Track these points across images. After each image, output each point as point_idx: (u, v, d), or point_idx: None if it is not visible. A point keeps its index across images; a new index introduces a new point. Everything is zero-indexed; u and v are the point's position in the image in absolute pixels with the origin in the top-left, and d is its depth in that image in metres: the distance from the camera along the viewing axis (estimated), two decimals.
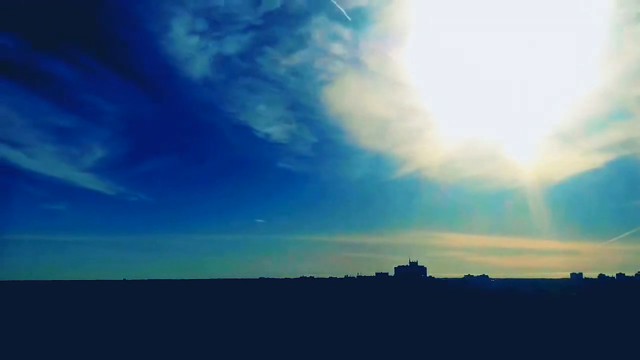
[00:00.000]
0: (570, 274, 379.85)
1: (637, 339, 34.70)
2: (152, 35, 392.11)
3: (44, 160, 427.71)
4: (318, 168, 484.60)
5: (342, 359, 27.32)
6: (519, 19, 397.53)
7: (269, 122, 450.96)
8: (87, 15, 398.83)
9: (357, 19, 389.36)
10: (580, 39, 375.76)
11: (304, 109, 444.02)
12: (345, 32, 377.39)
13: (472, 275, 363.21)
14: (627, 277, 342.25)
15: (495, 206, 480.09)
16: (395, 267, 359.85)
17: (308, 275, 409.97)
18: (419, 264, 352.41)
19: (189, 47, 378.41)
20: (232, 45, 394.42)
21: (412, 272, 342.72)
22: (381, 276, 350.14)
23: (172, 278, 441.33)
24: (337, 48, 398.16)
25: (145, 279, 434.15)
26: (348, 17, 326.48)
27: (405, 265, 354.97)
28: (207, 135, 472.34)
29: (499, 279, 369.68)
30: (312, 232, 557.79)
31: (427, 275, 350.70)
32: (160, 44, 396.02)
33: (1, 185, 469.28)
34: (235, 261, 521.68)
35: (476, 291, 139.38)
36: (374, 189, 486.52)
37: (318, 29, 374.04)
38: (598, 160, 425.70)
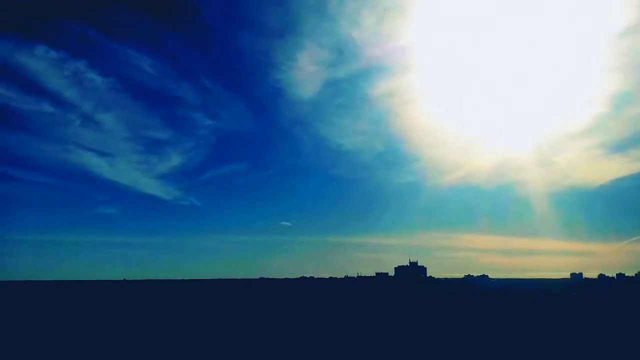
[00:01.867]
0: (570, 274, 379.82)
1: (637, 339, 34.68)
2: (276, 62, 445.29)
3: (120, 168, 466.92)
4: (371, 174, 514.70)
5: (342, 359, 27.29)
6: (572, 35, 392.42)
7: (347, 134, 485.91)
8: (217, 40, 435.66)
9: None
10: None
11: (382, 123, 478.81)
12: None
13: (472, 275, 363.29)
14: (627, 277, 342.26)
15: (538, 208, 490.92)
16: (395, 267, 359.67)
17: (308, 275, 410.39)
18: (419, 264, 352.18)
19: (307, 72, 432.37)
20: (342, 72, 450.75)
21: (412, 272, 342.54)
22: (381, 276, 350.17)
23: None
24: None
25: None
26: None
27: (405, 265, 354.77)
28: (284, 147, 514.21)
29: (499, 279, 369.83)
30: (354, 234, 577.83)
31: (427, 275, 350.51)
32: (281, 68, 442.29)
33: (68, 189, 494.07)
34: (263, 261, 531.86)
35: (476, 291, 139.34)
36: (418, 193, 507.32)
37: None
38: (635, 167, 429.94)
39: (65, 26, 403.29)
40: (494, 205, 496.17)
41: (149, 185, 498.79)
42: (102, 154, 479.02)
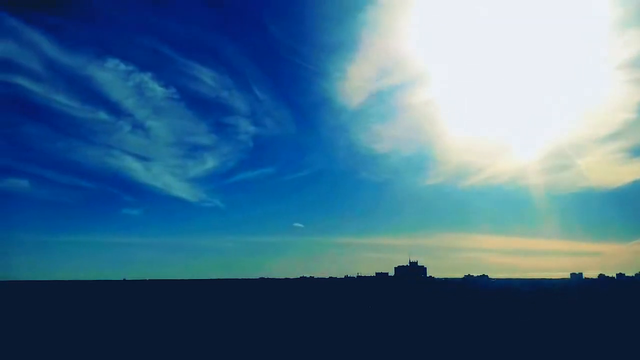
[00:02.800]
0: (570, 274, 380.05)
1: (637, 339, 34.69)
2: (327, 73, 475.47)
3: (155, 172, 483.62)
4: (395, 177, 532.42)
5: (342, 359, 27.29)
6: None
7: (379, 139, 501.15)
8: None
9: None
10: None
11: (414, 129, 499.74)
12: None
13: (472, 275, 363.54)
14: (627, 277, 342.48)
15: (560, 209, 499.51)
16: (395, 267, 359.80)
17: (308, 275, 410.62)
18: (419, 264, 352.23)
19: (354, 83, 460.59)
20: (386, 83, 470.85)
21: (412, 272, 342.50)
22: (381, 276, 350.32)
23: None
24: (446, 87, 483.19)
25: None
26: None
27: (405, 265, 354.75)
28: (317, 151, 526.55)
29: (498, 279, 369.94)
30: (378, 234, 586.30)
31: (427, 275, 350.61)
32: (330, 79, 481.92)
33: (102, 192, 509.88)
34: (281, 261, 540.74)
35: (476, 291, 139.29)
36: (443, 195, 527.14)
37: None
38: None
39: (139, 41, 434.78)
40: (512, 207, 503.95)
41: (178, 188, 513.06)
42: (142, 158, 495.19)
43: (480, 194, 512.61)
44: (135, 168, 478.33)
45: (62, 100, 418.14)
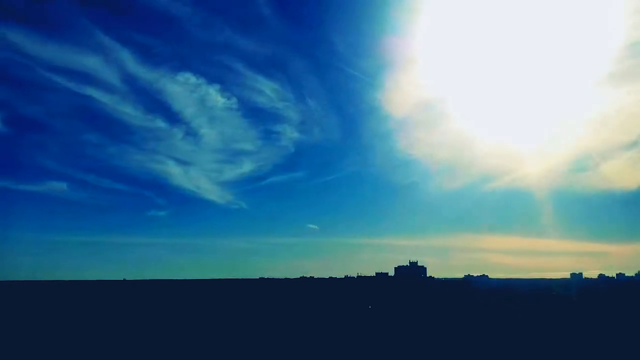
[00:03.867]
0: (571, 273, 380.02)
1: (636, 338, 34.85)
2: (379, 84, 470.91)
3: (192, 175, 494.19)
4: (421, 180, 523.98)
5: (342, 359, 27.47)
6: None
7: (418, 145, 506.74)
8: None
9: None
10: None
11: (450, 133, 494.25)
12: None
13: (472, 275, 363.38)
14: (627, 277, 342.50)
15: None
16: (395, 267, 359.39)
17: (308, 276, 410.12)
18: (419, 264, 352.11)
19: (403, 93, 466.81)
20: (433, 93, 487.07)
21: (412, 272, 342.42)
22: (381, 276, 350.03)
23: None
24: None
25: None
26: None
27: (405, 265, 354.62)
28: (356, 157, 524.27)
29: (498, 278, 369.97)
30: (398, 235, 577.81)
31: (427, 275, 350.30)
32: (382, 89, 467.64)
33: (136, 195, 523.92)
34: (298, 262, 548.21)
35: (476, 291, 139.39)
36: (468, 199, 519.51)
37: None
38: None
39: (215, 58, 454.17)
40: (533, 209, 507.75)
41: (209, 191, 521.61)
42: (183, 162, 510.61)
43: (505, 196, 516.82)
44: (173, 172, 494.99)
45: (127, 110, 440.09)
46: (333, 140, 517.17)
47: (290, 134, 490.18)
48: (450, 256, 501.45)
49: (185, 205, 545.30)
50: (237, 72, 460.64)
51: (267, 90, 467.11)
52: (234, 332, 39.96)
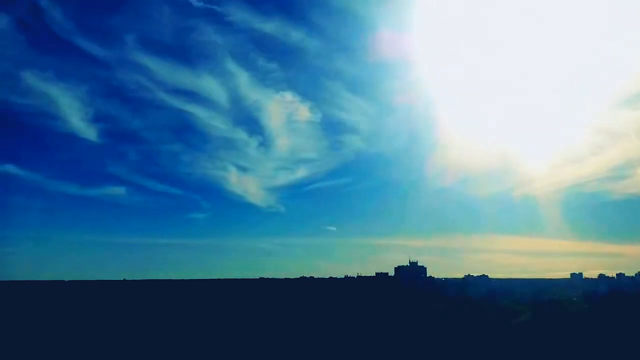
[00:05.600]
0: (571, 273, 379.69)
1: (636, 338, 34.86)
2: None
3: (244, 180, 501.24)
4: (463, 185, 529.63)
5: (344, 358, 27.51)
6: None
7: (462, 150, 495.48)
8: None
9: None
10: None
11: (494, 141, 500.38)
12: None
13: (472, 275, 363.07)
14: (627, 277, 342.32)
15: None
16: (395, 267, 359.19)
17: (308, 275, 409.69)
18: (419, 264, 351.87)
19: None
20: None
21: (412, 272, 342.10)
22: (381, 276, 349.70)
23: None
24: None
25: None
26: None
27: (405, 265, 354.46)
28: (404, 164, 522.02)
29: (498, 279, 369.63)
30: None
31: (427, 275, 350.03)
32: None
33: (185, 198, 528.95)
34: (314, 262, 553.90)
35: (476, 291, 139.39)
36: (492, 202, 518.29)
37: None
38: None
39: (318, 81, 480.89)
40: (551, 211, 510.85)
41: (255, 195, 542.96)
42: (243, 169, 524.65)
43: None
44: (230, 178, 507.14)
45: (216, 123, 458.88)
46: (396, 150, 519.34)
47: (356, 144, 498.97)
48: (450, 256, 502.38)
49: (225, 209, 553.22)
50: (332, 92, 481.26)
51: (352, 108, 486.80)
52: (233, 332, 40.02)
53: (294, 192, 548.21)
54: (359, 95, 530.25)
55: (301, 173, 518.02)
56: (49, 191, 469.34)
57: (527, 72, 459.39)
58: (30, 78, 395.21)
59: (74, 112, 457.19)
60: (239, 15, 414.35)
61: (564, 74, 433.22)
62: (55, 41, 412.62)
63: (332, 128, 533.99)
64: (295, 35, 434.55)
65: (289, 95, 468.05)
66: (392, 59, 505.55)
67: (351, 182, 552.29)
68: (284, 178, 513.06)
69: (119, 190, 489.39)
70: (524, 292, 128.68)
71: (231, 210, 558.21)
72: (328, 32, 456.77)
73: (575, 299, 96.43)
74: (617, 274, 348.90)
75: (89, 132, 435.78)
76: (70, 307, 74.11)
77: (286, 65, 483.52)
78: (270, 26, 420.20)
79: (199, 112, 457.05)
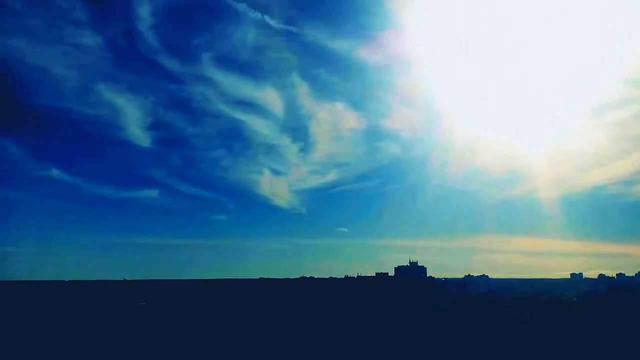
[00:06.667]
0: (571, 273, 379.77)
1: (636, 338, 34.90)
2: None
3: (275, 184, 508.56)
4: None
5: (344, 358, 27.53)
6: None
7: (482, 155, 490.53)
8: None
9: None
10: None
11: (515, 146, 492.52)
12: None
13: (472, 275, 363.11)
14: (627, 277, 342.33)
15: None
16: (395, 267, 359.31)
17: (308, 276, 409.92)
18: (419, 264, 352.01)
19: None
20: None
21: (412, 272, 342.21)
22: (381, 276, 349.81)
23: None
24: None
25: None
26: None
27: (405, 265, 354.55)
28: (429, 168, 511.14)
29: (498, 278, 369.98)
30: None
31: (427, 275, 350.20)
32: None
33: (214, 201, 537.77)
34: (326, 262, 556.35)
35: (476, 291, 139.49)
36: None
37: None
38: None
39: (370, 92, 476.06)
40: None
41: (282, 197, 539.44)
42: (277, 172, 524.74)
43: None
44: (262, 181, 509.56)
45: (263, 131, 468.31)
46: (420, 155, 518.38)
47: (391, 149, 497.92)
48: (450, 256, 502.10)
49: (247, 210, 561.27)
50: (382, 102, 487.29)
51: (397, 115, 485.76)
52: (234, 332, 40.06)
53: (319, 195, 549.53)
54: (406, 104, 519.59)
55: (331, 177, 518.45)
56: (85, 194, 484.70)
57: (527, 72, 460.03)
58: (104, 90, 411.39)
59: (134, 120, 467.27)
60: (314, 35, 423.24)
61: (564, 74, 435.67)
62: (139, 59, 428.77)
63: (374, 135, 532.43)
64: (362, 52, 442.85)
65: (340, 105, 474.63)
66: (442, 69, 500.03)
67: (375, 185, 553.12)
68: (314, 181, 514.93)
69: (152, 193, 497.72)
70: (524, 292, 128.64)
71: (255, 212, 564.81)
72: (389, 48, 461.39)
73: (575, 299, 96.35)
74: (617, 274, 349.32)
75: (144, 139, 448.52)
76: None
77: (345, 78, 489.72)
78: (340, 43, 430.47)
79: (250, 120, 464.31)
